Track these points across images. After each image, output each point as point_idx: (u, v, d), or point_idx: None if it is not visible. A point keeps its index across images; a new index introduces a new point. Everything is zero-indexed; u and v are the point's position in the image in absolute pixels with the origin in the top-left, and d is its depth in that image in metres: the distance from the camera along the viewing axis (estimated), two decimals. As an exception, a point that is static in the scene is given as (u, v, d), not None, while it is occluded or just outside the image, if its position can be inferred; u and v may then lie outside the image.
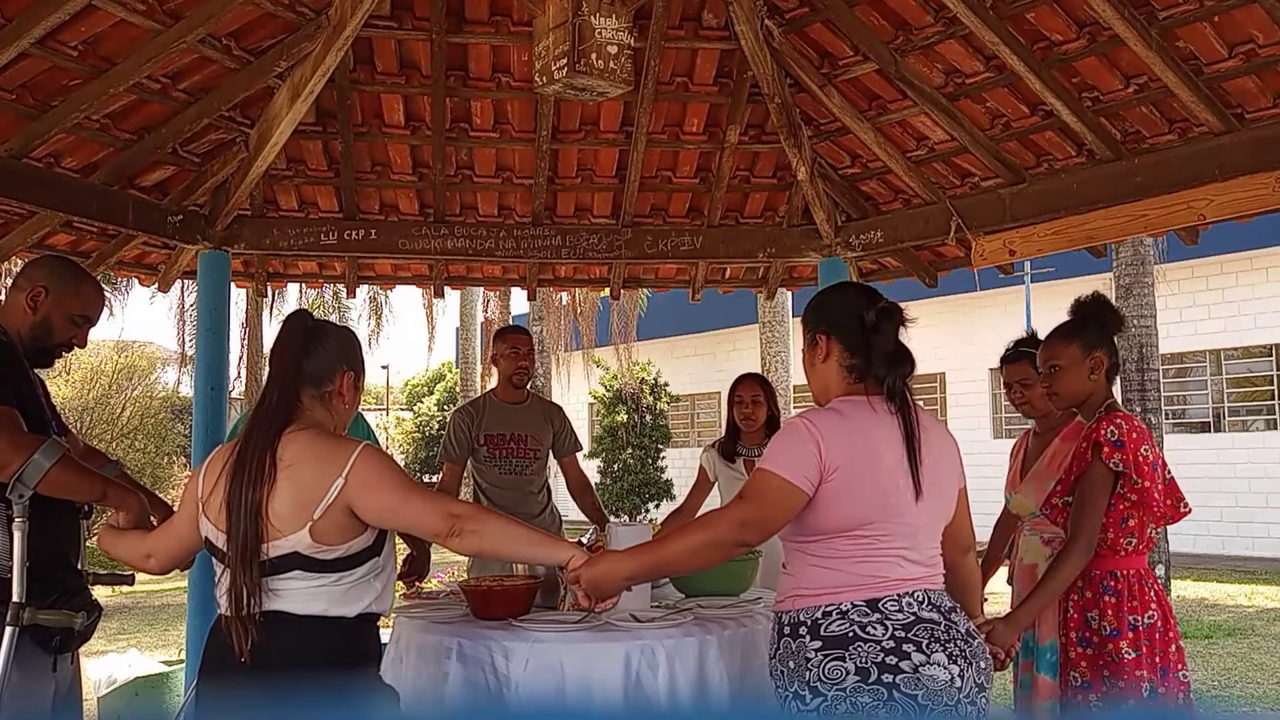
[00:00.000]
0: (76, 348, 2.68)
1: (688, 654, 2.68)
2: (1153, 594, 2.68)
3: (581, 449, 4.70)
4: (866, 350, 2.19)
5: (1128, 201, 3.95)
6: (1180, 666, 2.68)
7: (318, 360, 2.17)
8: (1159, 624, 2.65)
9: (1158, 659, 2.63)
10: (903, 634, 2.01)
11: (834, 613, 2.05)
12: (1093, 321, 2.85)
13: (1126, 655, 2.61)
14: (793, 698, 2.06)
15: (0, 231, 4.15)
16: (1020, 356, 3.37)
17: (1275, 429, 13.46)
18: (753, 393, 4.36)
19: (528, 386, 4.52)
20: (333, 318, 21.54)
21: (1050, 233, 4.26)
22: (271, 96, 4.19)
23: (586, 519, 4.41)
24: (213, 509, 2.09)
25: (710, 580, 3.18)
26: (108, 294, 20.50)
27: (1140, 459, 2.64)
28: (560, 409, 4.68)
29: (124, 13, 3.48)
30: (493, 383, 4.69)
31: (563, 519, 4.74)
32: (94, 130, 3.92)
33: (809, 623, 2.06)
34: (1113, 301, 2.96)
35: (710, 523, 2.12)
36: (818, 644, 2.04)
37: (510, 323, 19.52)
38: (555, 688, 2.57)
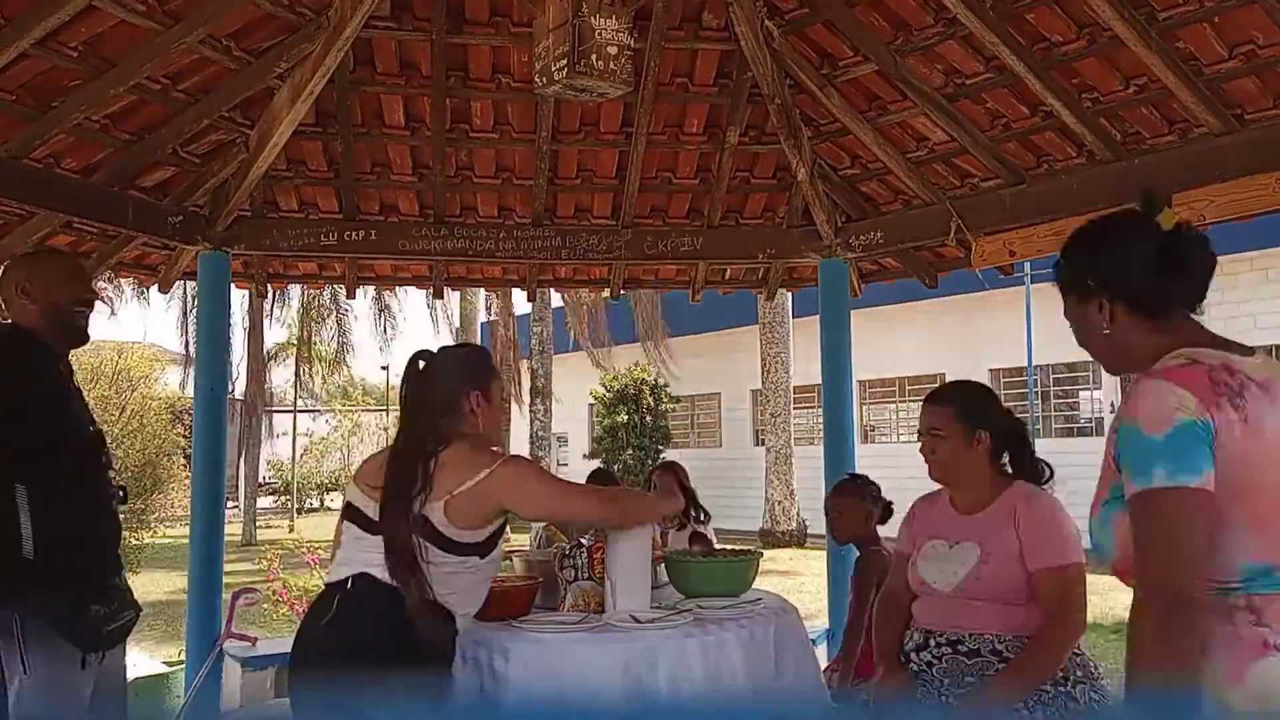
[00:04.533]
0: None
1: (688, 654, 2.67)
2: None
3: None
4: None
5: (1127, 202, 3.94)
6: None
7: (437, 393, 2.38)
8: None
9: None
10: None
11: None
12: None
13: None
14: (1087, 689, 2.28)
15: (0, 232, 4.15)
16: None
17: (1275, 429, 13.44)
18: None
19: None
20: (332, 319, 21.51)
21: (1050, 233, 4.26)
22: (271, 97, 4.19)
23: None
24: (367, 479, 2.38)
25: (710, 581, 3.18)
26: (107, 295, 20.49)
27: None
28: None
29: (124, 13, 3.47)
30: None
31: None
32: (94, 131, 3.91)
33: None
34: None
35: None
36: None
37: (512, 322, 19.50)
38: (554, 688, 2.57)
